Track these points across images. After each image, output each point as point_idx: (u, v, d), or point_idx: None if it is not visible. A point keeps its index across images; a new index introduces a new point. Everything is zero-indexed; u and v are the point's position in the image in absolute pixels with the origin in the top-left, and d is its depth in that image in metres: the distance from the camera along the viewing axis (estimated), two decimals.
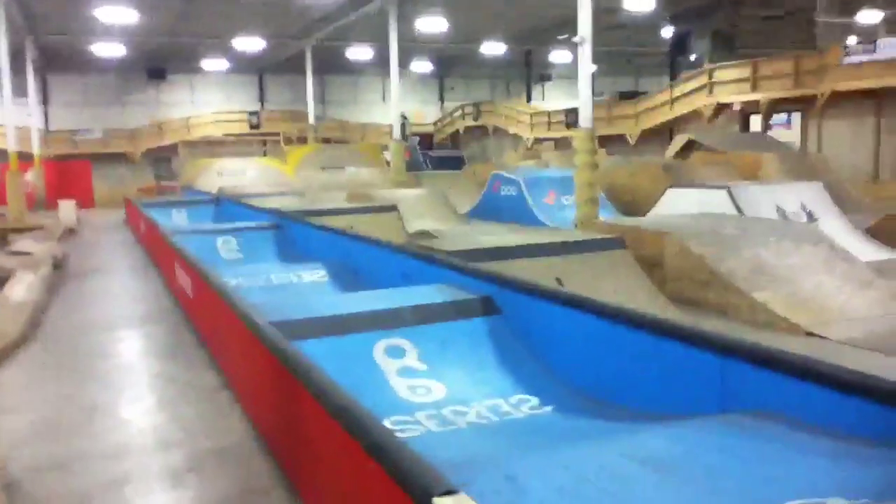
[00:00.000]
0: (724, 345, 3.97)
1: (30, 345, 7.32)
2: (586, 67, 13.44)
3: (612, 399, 4.54)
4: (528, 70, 38.03)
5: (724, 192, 11.88)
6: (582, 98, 13.49)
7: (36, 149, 28.28)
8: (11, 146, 20.99)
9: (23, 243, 14.42)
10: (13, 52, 21.26)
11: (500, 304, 5.77)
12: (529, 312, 5.49)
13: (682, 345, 4.15)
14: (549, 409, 4.67)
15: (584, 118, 13.40)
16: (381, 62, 30.74)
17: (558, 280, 7.26)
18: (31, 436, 4.93)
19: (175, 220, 16.25)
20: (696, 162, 17.75)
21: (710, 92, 25.10)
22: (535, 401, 4.79)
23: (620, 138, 29.21)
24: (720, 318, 7.56)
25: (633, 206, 15.75)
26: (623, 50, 34.63)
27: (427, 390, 4.88)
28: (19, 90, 24.61)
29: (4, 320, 7.88)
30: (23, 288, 9.48)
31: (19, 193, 20.01)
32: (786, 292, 7.66)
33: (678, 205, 12.34)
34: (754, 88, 23.57)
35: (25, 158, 24.45)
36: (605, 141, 27.66)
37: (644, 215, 13.16)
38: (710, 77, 25.16)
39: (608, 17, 24.55)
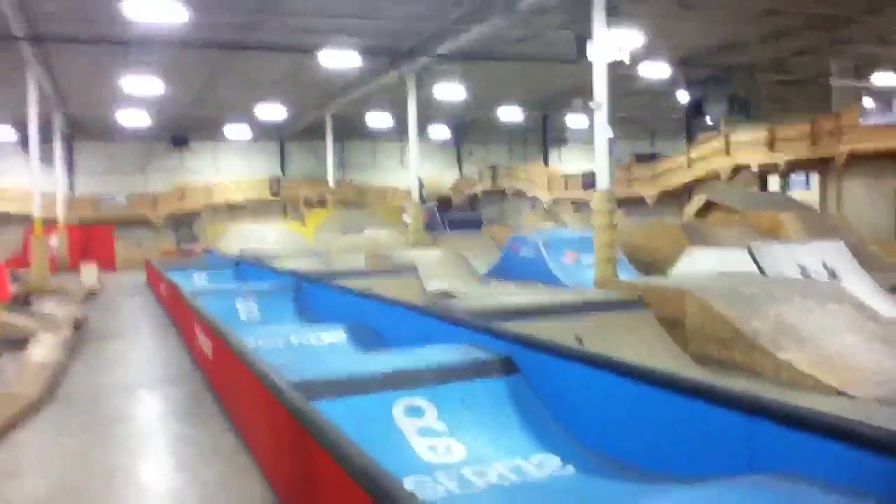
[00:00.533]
0: (750, 404, 3.88)
1: (49, 406, 7.31)
2: (602, 132, 13.60)
3: (635, 460, 4.44)
4: (544, 134, 38.49)
5: (745, 252, 11.81)
6: (598, 161, 13.61)
7: (60, 214, 28.79)
8: (37, 212, 21.42)
9: (45, 305, 14.57)
10: (41, 121, 21.88)
11: (520, 363, 5.72)
12: (550, 372, 5.43)
13: (706, 404, 4.07)
14: (570, 469, 4.58)
15: (602, 181, 13.50)
16: (400, 128, 31.31)
17: (578, 339, 7.20)
18: (50, 500, 4.88)
19: (196, 283, 16.36)
20: (715, 222, 17.73)
21: (728, 153, 25.25)
22: (556, 461, 4.69)
23: (638, 200, 29.32)
24: (745, 378, 7.43)
25: (653, 266, 15.69)
26: (640, 114, 35.04)
27: (447, 450, 4.80)
28: (46, 158, 25.23)
29: (24, 382, 7.90)
30: (43, 349, 9.53)
31: (43, 257, 20.32)
32: (811, 351, 7.54)
33: (698, 264, 12.28)
34: (772, 150, 23.68)
35: (50, 223, 24.90)
36: (624, 202, 27.76)
37: (664, 275, 13.10)
38: (728, 139, 25.35)
39: (624, 83, 24.93)
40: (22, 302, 15.90)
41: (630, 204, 28.79)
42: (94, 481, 5.21)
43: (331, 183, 33.05)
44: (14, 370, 8.79)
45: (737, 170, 25.14)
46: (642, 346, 7.66)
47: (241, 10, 17.28)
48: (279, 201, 34.54)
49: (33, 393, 7.37)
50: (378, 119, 32.84)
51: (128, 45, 18.74)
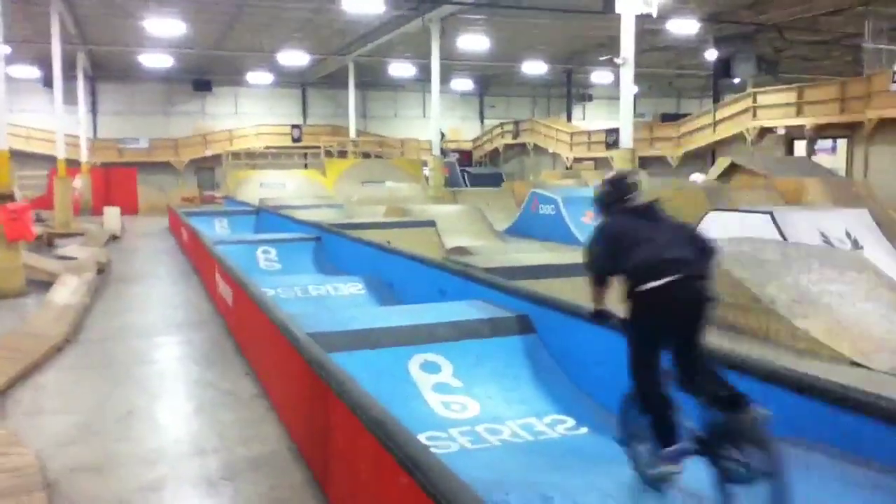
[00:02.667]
0: (765, 372, 3.91)
1: (72, 347, 7.47)
2: (628, 88, 13.39)
3: None
4: (568, 90, 38.00)
5: (766, 217, 11.70)
6: (623, 118, 13.43)
7: (84, 156, 28.95)
8: (60, 153, 21.55)
9: (68, 248, 14.76)
10: (64, 59, 21.84)
11: (536, 322, 5.76)
12: (566, 332, 5.46)
13: (721, 370, 4.09)
14: (584, 430, 4.63)
15: (625, 138, 13.34)
16: (423, 78, 30.97)
17: None
18: (71, 438, 5.02)
19: (217, 230, 16.49)
20: (739, 185, 17.52)
21: (754, 116, 24.84)
22: (570, 421, 4.75)
23: (661, 160, 29.00)
24: (760, 345, 7.43)
25: None
26: (665, 72, 34.45)
27: (462, 407, 4.88)
28: (69, 97, 25.25)
29: (48, 323, 8.06)
30: (67, 291, 9.69)
31: (67, 199, 20.48)
32: (828, 320, 7.51)
33: (719, 228, 12.17)
34: (799, 113, 23.27)
35: (73, 165, 25.04)
36: (646, 162, 27.48)
37: None
38: (754, 101, 24.91)
39: (651, 38, 24.45)
40: (46, 244, 16.12)
41: (653, 164, 28.50)
42: (113, 421, 5.35)
43: (352, 133, 32.92)
44: (38, 311, 8.96)
45: (763, 132, 24.76)
46: None
47: None
48: (300, 149, 34.50)
49: (57, 334, 7.53)
50: (401, 68, 32.52)
51: None
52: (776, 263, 8.44)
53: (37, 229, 14.12)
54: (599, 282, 3.48)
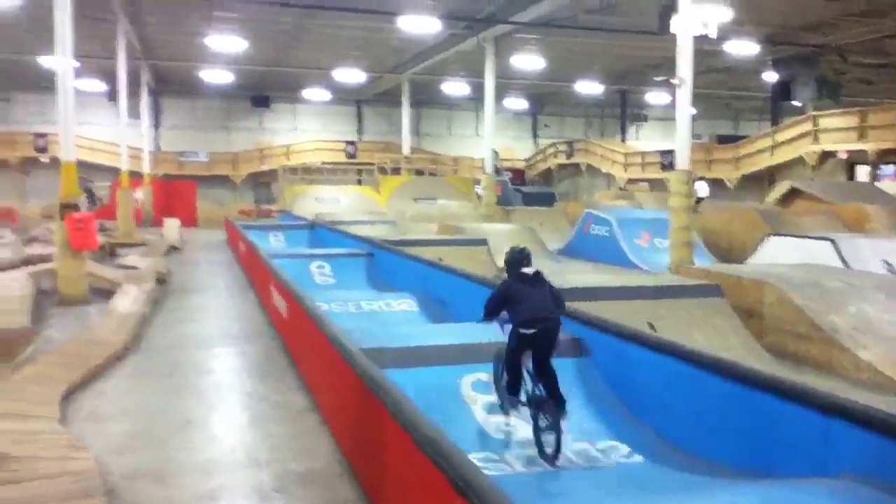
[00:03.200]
0: (829, 403, 3.79)
1: (132, 356, 7.65)
2: (684, 109, 13.24)
3: (705, 452, 4.39)
4: (623, 110, 37.73)
5: (828, 244, 11.41)
6: (679, 140, 13.27)
7: (146, 168, 29.77)
8: (124, 165, 22.20)
9: (130, 258, 15.16)
10: (129, 74, 22.55)
11: (589, 345, 5.70)
12: (619, 356, 5.40)
13: (782, 400, 3.99)
14: (638, 458, 4.56)
15: (682, 160, 13.16)
16: (477, 97, 31.11)
17: (650, 324, 7.11)
18: (130, 445, 5.14)
19: (272, 243, 16.77)
20: (798, 210, 17.15)
21: (815, 139, 24.28)
22: (624, 448, 4.68)
23: (718, 182, 28.51)
24: (821, 375, 7.22)
25: (730, 252, 15.31)
26: (722, 93, 33.97)
27: (513, 428, 4.84)
28: (133, 111, 26.01)
29: (110, 331, 8.28)
30: (128, 300, 9.95)
31: (129, 210, 21.08)
32: (893, 351, 7.27)
33: (778, 254, 11.93)
34: (861, 137, 22.66)
35: (135, 177, 25.76)
36: None
37: (741, 262, 12.78)
38: (815, 124, 24.35)
39: (709, 59, 24.16)
40: (108, 253, 16.59)
41: (709, 186, 28.03)
42: (169, 430, 5.46)
43: (406, 150, 33.21)
44: (100, 319, 9.22)
45: (824, 157, 24.18)
46: (715, 335, 7.52)
47: None
48: (354, 165, 34.92)
49: (117, 342, 7.72)
50: (455, 87, 32.73)
51: (211, 1, 19.05)
52: (839, 291, 8.22)
53: (100, 239, 14.54)
54: (487, 316, 5.03)
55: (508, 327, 4.87)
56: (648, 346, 5.15)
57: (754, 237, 13.93)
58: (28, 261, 13.45)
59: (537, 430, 4.63)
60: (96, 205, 27.03)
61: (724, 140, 33.15)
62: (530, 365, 4.82)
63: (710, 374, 4.49)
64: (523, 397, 4.82)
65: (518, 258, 4.99)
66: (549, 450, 4.51)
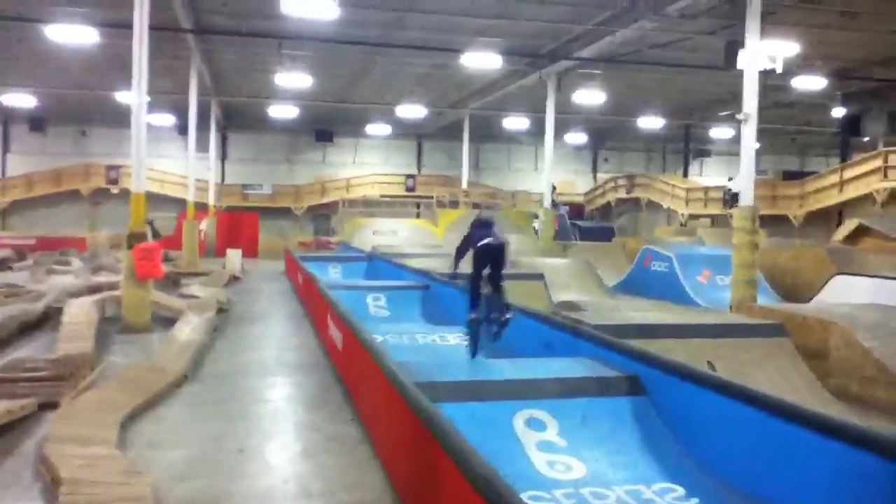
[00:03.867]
0: None
1: (191, 383, 7.81)
2: (749, 145, 13.03)
3: (765, 497, 4.23)
4: (686, 145, 37.30)
5: None
6: (743, 175, 13.04)
7: (211, 200, 30.61)
8: (191, 197, 22.87)
9: (192, 287, 15.54)
10: (199, 109, 23.34)
11: (646, 383, 5.59)
12: (677, 396, 5.27)
13: (849, 446, 3.84)
14: (694, 501, 4.42)
15: (745, 196, 12.93)
16: (536, 131, 31.13)
17: (710, 364, 6.93)
18: (185, 472, 5.22)
19: (330, 275, 16.97)
20: (866, 248, 16.59)
21: (885, 176, 23.53)
22: (680, 491, 4.55)
23: (783, 219, 27.84)
24: (889, 419, 6.92)
25: (795, 291, 14.88)
26: (788, 128, 33.31)
27: (566, 467, 4.76)
28: (201, 145, 26.85)
29: (170, 358, 8.47)
30: (189, 328, 10.18)
31: (193, 240, 21.65)
32: None
33: (845, 293, 11.54)
34: None
35: (200, 208, 26.51)
36: (767, 221, 26.45)
37: (806, 302, 12.40)
38: (886, 160, 23.61)
39: (775, 94, 23.76)
40: (172, 282, 17.04)
41: (774, 223, 27.41)
42: (225, 457, 5.53)
43: (464, 183, 33.43)
44: (162, 346, 9.44)
45: (894, 193, 23.41)
46: (778, 376, 7.29)
47: (388, 8, 17.74)
48: (413, 198, 35.28)
49: (177, 369, 7.89)
50: (515, 121, 32.86)
51: (281, 40, 19.63)
52: None
53: (164, 268, 14.94)
54: (457, 257, 7.66)
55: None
56: (709, 385, 5.01)
57: (820, 275, 13.53)
58: (95, 288, 13.91)
59: (488, 323, 7.15)
60: (157, 238, 27.96)
61: (789, 176, 32.45)
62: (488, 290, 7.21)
63: (773, 417, 4.34)
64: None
65: (481, 217, 7.51)
66: (493, 335, 7.11)
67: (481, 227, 7.24)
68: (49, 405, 6.56)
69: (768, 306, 10.36)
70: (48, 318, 11.32)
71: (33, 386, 6.86)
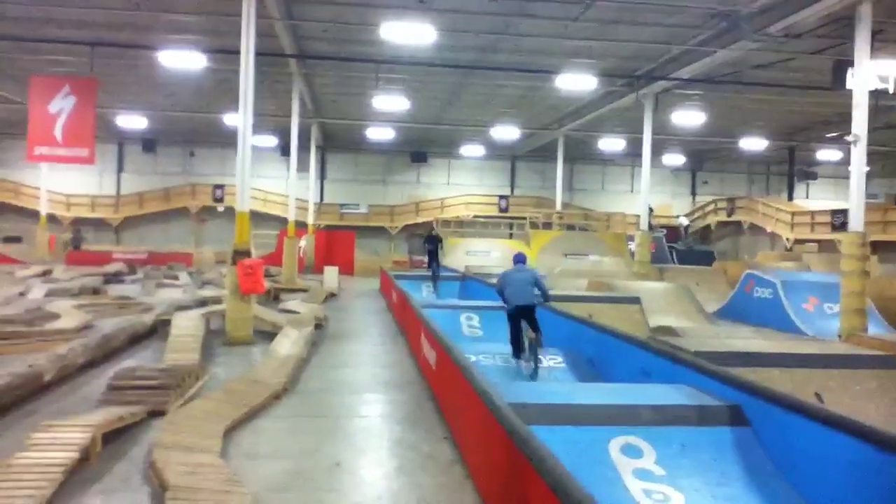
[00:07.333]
0: None
1: (289, 397, 8.02)
2: (859, 167, 12.47)
3: None
4: (790, 167, 35.92)
5: None
6: (853, 199, 12.48)
7: (311, 218, 31.50)
8: (291, 215, 23.59)
9: (291, 303, 15.99)
10: (300, 132, 24.13)
11: (749, 414, 5.39)
12: (783, 428, 5.06)
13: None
14: None
15: (855, 221, 12.36)
16: (632, 153, 30.69)
17: (818, 395, 6.63)
18: (283, 483, 5.35)
19: (424, 294, 17.15)
20: None
21: None
22: None
23: (895, 245, 26.41)
24: None
25: None
26: None
27: (664, 497, 4.64)
28: (302, 165, 27.72)
29: (270, 372, 8.72)
30: (288, 343, 10.47)
31: (293, 258, 22.29)
32: None
33: None
34: None
35: (300, 227, 27.31)
36: (878, 247, 25.16)
37: None
38: None
39: (886, 115, 22.65)
40: (272, 298, 17.58)
41: (886, 248, 26.02)
42: (320, 471, 5.64)
43: (558, 205, 33.22)
44: (262, 360, 9.75)
45: None
46: (893, 410, 6.89)
47: (482, 31, 17.92)
48: (506, 219, 35.32)
49: (277, 383, 8.13)
50: (610, 143, 32.47)
51: (379, 64, 20.13)
52: None
53: (266, 284, 15.45)
54: (500, 295, 9.33)
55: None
56: (817, 418, 4.79)
57: None
58: (201, 302, 14.51)
59: (532, 359, 8.67)
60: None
61: None
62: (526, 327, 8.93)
63: (886, 454, 4.11)
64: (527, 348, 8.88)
65: (516, 257, 9.48)
66: (531, 369, 8.52)
67: (515, 270, 9.25)
68: (157, 413, 6.87)
69: (880, 336, 9.83)
70: (157, 330, 11.89)
71: (143, 394, 7.21)
